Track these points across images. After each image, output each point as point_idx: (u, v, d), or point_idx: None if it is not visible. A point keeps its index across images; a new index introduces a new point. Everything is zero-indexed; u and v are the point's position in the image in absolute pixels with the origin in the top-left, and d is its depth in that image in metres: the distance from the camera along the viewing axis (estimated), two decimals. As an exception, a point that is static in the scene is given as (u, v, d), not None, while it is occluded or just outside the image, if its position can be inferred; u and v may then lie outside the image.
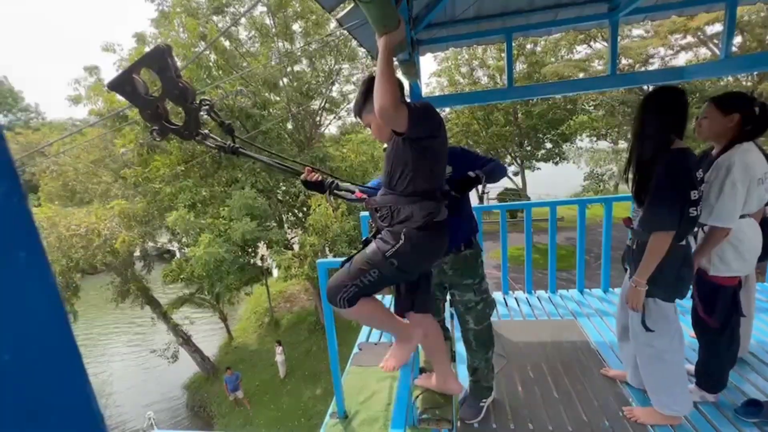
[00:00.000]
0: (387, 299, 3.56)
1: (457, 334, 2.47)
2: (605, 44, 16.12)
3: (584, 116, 17.89)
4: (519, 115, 19.07)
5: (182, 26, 11.03)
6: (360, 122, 1.68)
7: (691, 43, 14.93)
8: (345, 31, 2.66)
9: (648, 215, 1.72)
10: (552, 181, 21.63)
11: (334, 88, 14.31)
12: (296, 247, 12.66)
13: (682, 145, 1.70)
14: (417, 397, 2.12)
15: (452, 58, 18.64)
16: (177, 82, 1.43)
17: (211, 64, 11.28)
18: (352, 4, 2.28)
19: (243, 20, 12.40)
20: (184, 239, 11.57)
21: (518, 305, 3.50)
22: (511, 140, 19.42)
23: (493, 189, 18.54)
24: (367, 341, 2.82)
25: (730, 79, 13.89)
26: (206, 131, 1.60)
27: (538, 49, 18.21)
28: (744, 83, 13.99)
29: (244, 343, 14.76)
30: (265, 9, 12.15)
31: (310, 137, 13.88)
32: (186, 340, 12.94)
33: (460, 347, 2.40)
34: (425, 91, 3.27)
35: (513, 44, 3.43)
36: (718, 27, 13.36)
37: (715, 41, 14.10)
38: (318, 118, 14.41)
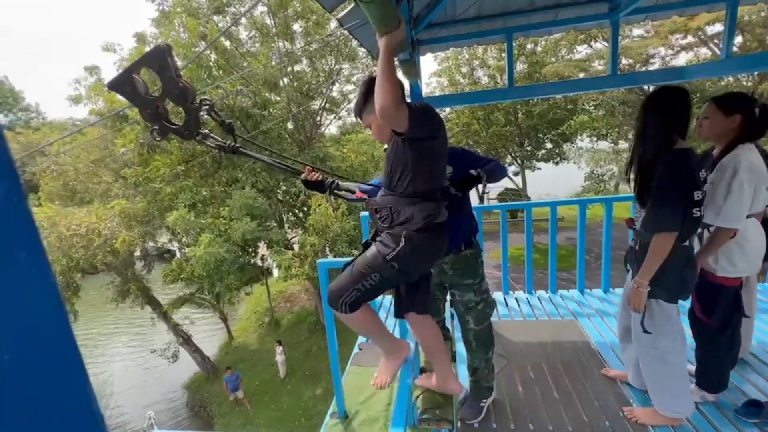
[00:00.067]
0: (387, 299, 3.56)
1: (457, 334, 2.47)
2: (605, 44, 16.11)
3: (585, 116, 17.89)
4: (519, 115, 19.07)
5: (182, 26, 11.03)
6: (360, 122, 1.68)
7: (692, 43, 14.93)
8: (345, 31, 2.65)
9: (651, 216, 1.71)
10: (552, 181, 21.64)
11: (334, 88, 14.32)
12: (296, 247, 12.66)
13: (685, 145, 1.69)
14: (417, 397, 2.11)
15: (452, 58, 18.65)
16: (177, 82, 1.43)
17: (211, 63, 11.28)
18: (352, 4, 2.28)
19: (243, 20, 12.40)
20: (184, 239, 11.57)
21: (518, 305, 3.50)
22: (511, 140, 19.42)
23: (494, 189, 18.55)
24: (368, 341, 2.82)
25: (731, 79, 13.89)
26: (206, 131, 1.60)
27: (539, 49, 18.21)
28: (744, 83, 13.99)
29: (244, 343, 14.77)
30: (265, 9, 12.15)
31: (310, 137, 13.88)
32: (186, 340, 12.94)
33: (460, 347, 2.40)
34: (425, 91, 3.27)
35: (513, 44, 3.43)
36: (718, 27, 13.36)
37: (716, 41, 14.10)
38: (318, 118, 14.42)
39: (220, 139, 1.66)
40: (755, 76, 13.61)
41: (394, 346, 1.80)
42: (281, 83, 12.79)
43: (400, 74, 1.64)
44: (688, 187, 1.64)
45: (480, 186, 1.83)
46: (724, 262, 1.95)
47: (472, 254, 2.00)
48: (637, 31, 16.25)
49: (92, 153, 13.13)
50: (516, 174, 20.21)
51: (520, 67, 17.92)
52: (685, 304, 2.18)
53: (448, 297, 2.24)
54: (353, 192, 1.86)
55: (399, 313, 1.79)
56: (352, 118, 15.12)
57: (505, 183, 18.46)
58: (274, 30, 12.51)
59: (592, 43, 17.08)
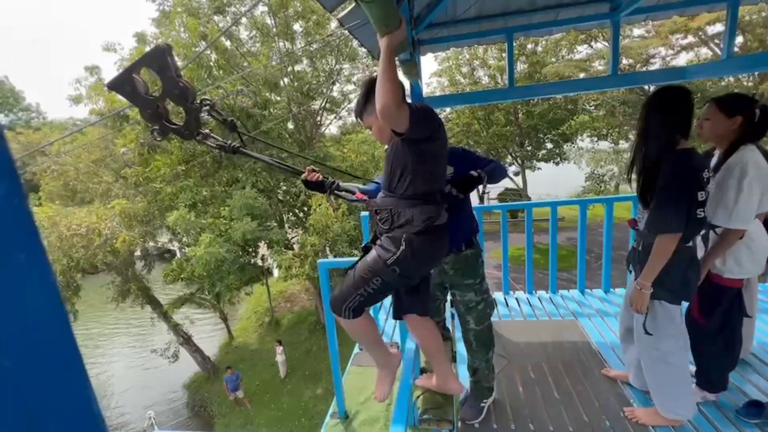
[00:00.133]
0: (387, 300, 3.56)
1: (457, 334, 2.47)
2: (606, 44, 16.12)
3: (585, 116, 17.89)
4: (520, 115, 19.09)
5: (183, 26, 11.04)
6: (360, 123, 1.68)
7: (692, 43, 14.93)
8: (346, 31, 2.65)
9: (654, 217, 1.69)
10: (553, 181, 21.62)
11: (334, 88, 14.33)
12: (297, 246, 12.66)
13: (687, 145, 1.68)
14: (418, 397, 2.11)
15: (453, 58, 18.66)
16: (177, 82, 1.44)
17: (211, 63, 11.28)
18: (353, 4, 2.28)
19: (244, 20, 12.41)
20: (184, 239, 11.57)
21: (519, 305, 3.49)
22: (511, 140, 19.43)
23: (494, 189, 18.55)
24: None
25: (731, 79, 13.88)
26: (207, 131, 1.60)
27: (539, 49, 18.22)
28: (745, 83, 13.98)
29: (244, 343, 14.78)
30: (266, 9, 12.16)
31: (310, 137, 13.89)
32: (186, 340, 12.95)
33: (461, 347, 2.40)
34: (426, 91, 3.27)
35: (514, 44, 3.43)
36: (718, 27, 13.36)
37: (716, 41, 14.09)
38: (318, 118, 14.42)
39: (221, 139, 1.66)
40: (756, 77, 13.60)
41: (387, 359, 1.81)
42: (282, 83, 12.80)
43: (400, 74, 1.64)
44: (691, 187, 1.63)
45: (480, 187, 1.83)
46: (731, 263, 1.94)
47: (473, 254, 2.00)
48: (637, 31, 16.28)
49: (93, 153, 13.13)
50: (516, 174, 20.22)
51: (520, 67, 17.92)
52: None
53: (449, 297, 2.24)
54: (353, 193, 1.86)
55: (398, 315, 1.79)
56: (352, 118, 15.13)
57: (505, 183, 18.46)
58: (274, 30, 12.51)
59: (593, 43, 17.09)
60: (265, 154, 1.85)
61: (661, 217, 1.66)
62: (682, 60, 15.96)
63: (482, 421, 2.11)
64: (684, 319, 1.88)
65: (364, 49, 10.40)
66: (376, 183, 1.91)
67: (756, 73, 12.78)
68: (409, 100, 1.43)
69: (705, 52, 15.04)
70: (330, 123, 15.37)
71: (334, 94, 14.40)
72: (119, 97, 1.60)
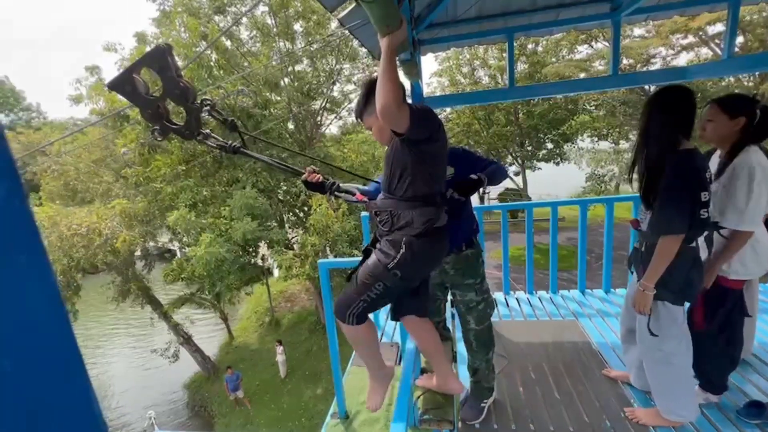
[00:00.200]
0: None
1: (458, 334, 2.47)
2: (606, 44, 16.12)
3: (585, 116, 17.89)
4: (520, 115, 19.09)
5: (183, 26, 11.04)
6: (361, 123, 1.68)
7: (693, 43, 14.92)
8: (346, 31, 2.65)
9: (657, 218, 1.68)
10: (553, 180, 21.61)
11: (335, 88, 14.33)
12: (297, 246, 12.67)
13: (690, 145, 1.67)
14: (418, 397, 2.11)
15: (453, 58, 18.67)
16: (178, 82, 1.44)
17: (212, 63, 11.28)
18: (353, 4, 2.27)
19: (244, 20, 12.41)
20: (185, 239, 11.57)
21: (519, 305, 3.49)
22: (512, 140, 19.44)
23: (494, 189, 18.53)
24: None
25: (732, 79, 13.88)
26: (207, 131, 1.60)
27: (540, 49, 18.21)
28: (745, 84, 13.97)
29: (244, 343, 14.78)
30: (266, 9, 12.16)
31: (311, 137, 13.89)
32: (187, 340, 12.95)
33: (461, 347, 2.40)
34: (426, 91, 3.27)
35: (514, 44, 3.42)
36: (719, 27, 13.35)
37: (717, 41, 14.09)
38: (319, 118, 14.43)
39: (221, 139, 1.66)
40: (756, 77, 13.59)
41: (382, 371, 1.81)
42: (282, 83, 12.80)
43: (401, 74, 1.64)
44: (694, 188, 1.61)
45: (481, 189, 1.83)
46: (736, 264, 1.92)
47: (473, 254, 2.00)
48: (638, 31, 16.28)
49: (93, 153, 13.14)
50: (517, 174, 20.22)
51: (520, 67, 17.92)
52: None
53: (449, 297, 2.24)
54: (353, 194, 1.86)
55: (396, 316, 1.79)
56: (352, 118, 15.13)
57: (505, 183, 18.44)
58: (275, 30, 12.52)
59: (593, 43, 17.08)
60: (266, 154, 1.85)
61: (665, 217, 1.65)
62: (683, 60, 15.97)
63: (483, 422, 2.11)
64: (685, 320, 1.87)
65: (364, 49, 10.41)
66: (377, 183, 1.91)
67: (756, 73, 12.77)
68: (409, 101, 1.43)
69: (705, 52, 15.05)
70: (330, 123, 15.38)
71: (335, 94, 14.41)
72: (120, 97, 1.60)
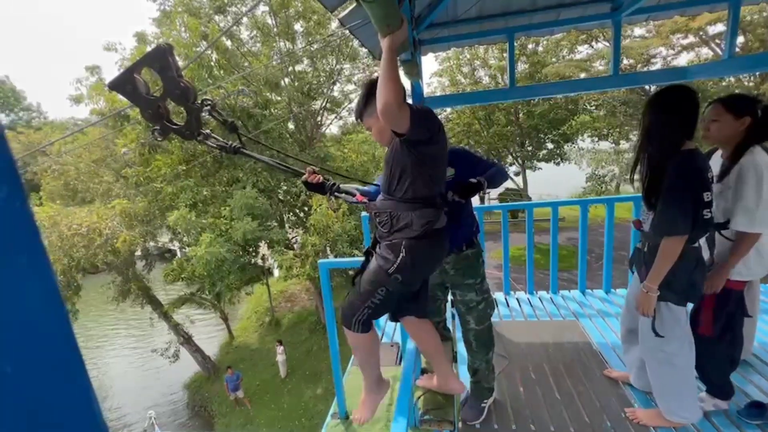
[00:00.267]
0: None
1: (458, 334, 2.47)
2: (606, 44, 16.11)
3: (586, 116, 17.88)
4: (520, 115, 19.09)
5: (184, 26, 11.04)
6: (361, 124, 1.68)
7: (693, 43, 14.92)
8: (347, 31, 2.65)
9: (660, 219, 1.67)
10: (554, 180, 21.61)
11: (335, 88, 14.34)
12: (297, 246, 12.67)
13: (692, 145, 1.66)
14: (419, 398, 2.11)
15: (454, 58, 18.66)
16: (178, 82, 1.43)
17: (212, 63, 11.28)
18: (354, 4, 2.27)
19: (245, 20, 12.41)
20: (185, 239, 11.58)
21: (519, 306, 3.49)
22: (512, 140, 19.43)
23: (494, 189, 18.52)
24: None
25: (732, 79, 13.87)
26: (208, 131, 1.60)
27: (540, 49, 18.20)
28: (746, 84, 13.97)
29: (244, 343, 14.78)
30: (266, 9, 12.16)
31: (311, 137, 13.89)
32: (187, 340, 12.96)
33: (461, 347, 2.40)
34: (426, 91, 3.26)
35: (515, 44, 3.42)
36: (719, 27, 13.34)
37: (717, 41, 14.08)
38: (319, 118, 14.43)
39: (222, 139, 1.66)
40: (757, 77, 13.58)
41: (378, 384, 1.80)
42: (282, 83, 12.80)
43: (401, 74, 1.63)
44: (697, 188, 1.60)
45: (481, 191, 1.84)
46: (740, 266, 1.90)
47: (474, 254, 2.00)
48: (638, 31, 16.27)
49: (93, 153, 13.15)
50: (517, 174, 20.21)
51: (521, 67, 17.91)
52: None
53: (450, 297, 2.24)
54: (353, 195, 1.86)
55: (396, 317, 1.79)
56: (353, 118, 15.13)
57: (506, 183, 18.42)
58: (275, 30, 12.52)
59: (594, 43, 17.07)
60: (266, 154, 1.85)
61: (668, 218, 1.64)
62: (683, 60, 15.96)
63: (483, 422, 2.11)
64: (688, 321, 1.85)
65: (364, 50, 10.41)
66: (376, 185, 1.91)
67: (757, 73, 12.76)
68: (409, 101, 1.43)
69: (706, 52, 15.03)
70: (331, 123, 15.38)
71: (335, 94, 14.41)
72: (120, 97, 1.60)
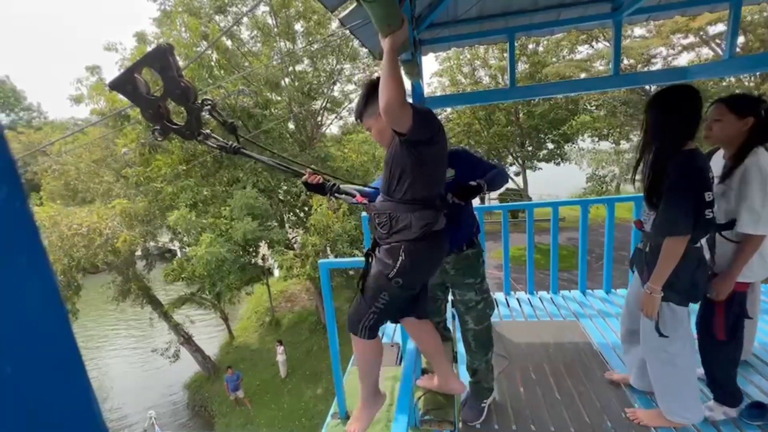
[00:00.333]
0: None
1: (457, 334, 2.47)
2: (607, 44, 16.10)
3: (586, 116, 17.88)
4: (521, 115, 19.08)
5: (184, 25, 11.05)
6: (360, 124, 1.68)
7: (693, 43, 14.91)
8: (347, 31, 2.65)
9: (662, 219, 1.66)
10: (554, 180, 21.61)
11: (335, 88, 14.34)
12: (297, 246, 12.67)
13: (692, 145, 1.65)
14: (419, 398, 2.11)
15: (454, 58, 18.66)
16: (179, 82, 1.43)
17: (213, 63, 11.29)
18: (354, 4, 2.27)
19: (245, 20, 12.41)
20: (185, 238, 11.58)
21: (520, 306, 3.49)
22: (512, 140, 19.43)
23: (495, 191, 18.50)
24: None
25: (732, 79, 13.87)
26: (208, 131, 1.60)
27: (540, 49, 18.19)
28: (746, 84, 13.96)
29: (245, 343, 14.78)
30: (267, 9, 12.16)
31: (311, 137, 13.90)
32: (187, 340, 12.96)
33: (461, 347, 2.40)
34: (426, 91, 3.26)
35: (515, 44, 3.42)
36: (720, 27, 13.34)
37: (717, 41, 14.07)
38: (319, 118, 14.43)
39: (222, 139, 1.66)
40: (757, 77, 13.58)
41: (375, 397, 1.80)
42: (283, 83, 12.80)
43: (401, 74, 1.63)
44: (699, 188, 1.60)
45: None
46: (745, 268, 1.88)
47: (474, 254, 1.99)
48: (638, 31, 16.26)
49: (94, 152, 13.15)
50: (517, 174, 20.21)
51: (521, 67, 17.90)
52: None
53: (450, 297, 2.24)
54: (353, 196, 1.86)
55: (395, 318, 1.79)
56: (353, 118, 15.12)
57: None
58: (275, 30, 12.52)
59: (594, 43, 17.07)
60: (265, 154, 1.85)
61: (670, 218, 1.63)
62: (684, 60, 15.95)
63: (484, 422, 2.10)
64: (690, 321, 1.83)
65: (365, 50, 10.42)
66: (374, 189, 1.91)
67: (757, 73, 12.75)
68: (409, 101, 1.43)
69: (706, 52, 15.02)
70: (331, 123, 15.39)
71: (335, 94, 14.41)
72: (120, 96, 1.60)
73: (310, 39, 12.67)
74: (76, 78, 11.97)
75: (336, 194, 1.85)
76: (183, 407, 12.67)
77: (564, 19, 3.37)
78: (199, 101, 1.51)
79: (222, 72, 11.47)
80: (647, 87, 12.38)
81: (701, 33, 14.19)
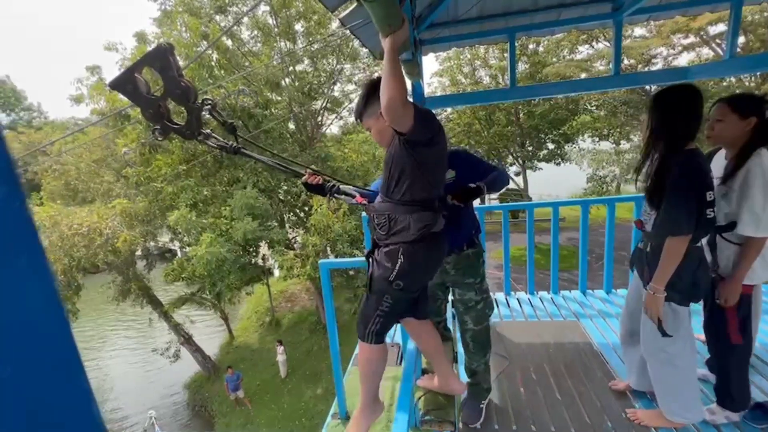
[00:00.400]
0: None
1: (457, 335, 2.46)
2: (607, 44, 16.10)
3: (586, 116, 17.87)
4: (521, 115, 19.07)
5: (184, 25, 11.05)
6: (360, 124, 1.68)
7: (694, 43, 14.90)
8: (347, 31, 2.65)
9: (664, 218, 1.66)
10: (554, 181, 21.60)
11: (335, 88, 14.34)
12: (298, 246, 12.67)
13: (692, 146, 1.65)
14: (419, 398, 2.11)
15: (454, 58, 18.65)
16: (179, 82, 1.43)
17: (213, 63, 11.29)
18: (354, 4, 2.26)
19: (245, 20, 12.41)
20: (185, 238, 11.59)
21: (520, 306, 3.49)
22: (512, 140, 19.42)
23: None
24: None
25: (733, 79, 13.86)
26: (208, 131, 1.60)
27: (541, 49, 18.19)
28: (747, 84, 13.96)
29: (245, 343, 14.78)
30: (267, 8, 12.16)
31: (311, 137, 13.90)
32: (187, 340, 12.96)
33: (461, 348, 2.40)
34: (427, 91, 3.26)
35: (515, 44, 3.42)
36: (720, 27, 13.33)
37: (717, 41, 14.07)
38: (320, 118, 14.43)
39: (222, 139, 1.66)
40: (757, 77, 13.57)
41: (374, 404, 1.80)
42: (283, 83, 12.81)
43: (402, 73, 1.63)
44: (700, 187, 1.60)
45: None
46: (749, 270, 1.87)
47: (474, 254, 1.99)
48: (638, 31, 16.25)
49: (94, 152, 13.16)
50: (517, 174, 20.21)
51: (521, 67, 17.90)
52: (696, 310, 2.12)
53: (450, 297, 2.23)
54: (353, 196, 1.85)
55: (396, 319, 1.79)
56: (353, 118, 15.10)
57: (506, 183, 18.41)
58: (276, 30, 12.52)
59: (594, 43, 17.06)
60: (265, 155, 1.84)
61: (672, 218, 1.63)
62: (684, 60, 15.95)
63: (484, 422, 2.10)
64: (690, 321, 1.82)
65: (365, 50, 10.41)
66: (373, 191, 1.90)
67: (758, 73, 12.74)
68: (410, 100, 1.42)
69: (707, 52, 15.01)
70: (331, 123, 15.39)
71: (336, 93, 14.41)
72: (121, 96, 1.60)
73: (311, 39, 12.67)
74: (77, 78, 11.98)
75: (335, 195, 1.85)
76: (183, 407, 12.67)
77: (564, 19, 3.37)
78: (200, 101, 1.51)
79: (222, 72, 11.47)
80: (647, 87, 12.38)
81: (702, 33, 14.18)
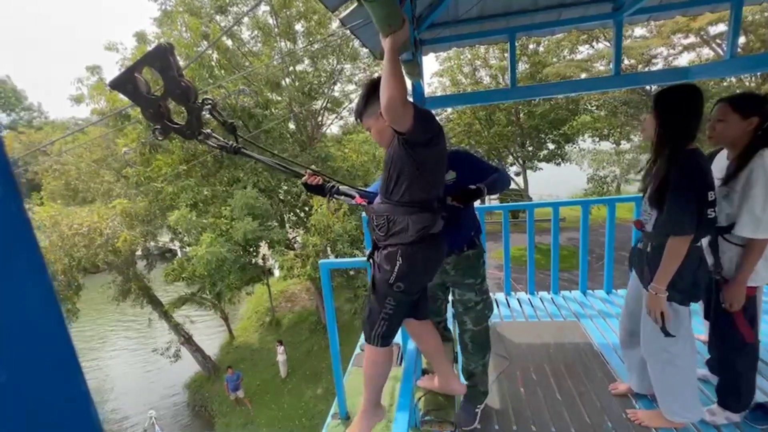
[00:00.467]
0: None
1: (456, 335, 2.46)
2: (607, 44, 16.09)
3: (587, 116, 17.85)
4: (521, 115, 19.06)
5: (185, 25, 11.05)
6: (360, 124, 1.67)
7: (694, 43, 14.89)
8: (347, 31, 2.64)
9: (666, 218, 1.65)
10: (554, 181, 21.59)
11: (336, 88, 14.34)
12: (298, 246, 12.67)
13: (693, 146, 1.64)
14: (420, 398, 2.11)
15: (455, 58, 18.64)
16: (179, 81, 1.43)
17: (213, 63, 11.29)
18: (355, 4, 2.26)
19: (246, 19, 12.41)
20: (185, 238, 11.59)
21: (520, 306, 3.49)
22: (513, 140, 19.41)
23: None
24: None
25: (733, 79, 13.85)
26: (208, 131, 1.60)
27: (541, 49, 18.18)
28: (747, 84, 13.95)
29: (245, 343, 14.78)
30: (267, 8, 12.16)
31: (312, 137, 13.90)
32: (187, 339, 12.96)
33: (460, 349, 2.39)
34: (427, 91, 3.26)
35: (516, 44, 3.42)
36: (721, 27, 13.32)
37: (718, 41, 14.06)
38: (320, 118, 14.43)
39: (222, 139, 1.66)
40: (758, 77, 13.56)
41: (376, 409, 1.80)
42: (283, 83, 12.81)
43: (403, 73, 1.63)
44: (701, 187, 1.59)
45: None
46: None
47: (474, 254, 1.99)
48: (639, 31, 16.24)
49: (94, 152, 13.16)
50: (518, 174, 20.20)
51: (522, 67, 17.89)
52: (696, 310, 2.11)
53: (450, 297, 2.23)
54: (353, 197, 1.85)
55: (401, 321, 1.79)
56: (353, 118, 15.11)
57: (506, 183, 18.41)
58: (276, 30, 12.52)
59: (594, 43, 17.05)
60: (265, 155, 1.84)
61: (673, 218, 1.62)
62: (684, 60, 15.94)
63: (484, 422, 2.10)
64: (691, 321, 1.82)
65: (365, 50, 10.41)
66: (373, 192, 1.90)
67: (758, 73, 12.73)
68: (410, 100, 1.42)
69: (707, 53, 15.01)
70: (331, 123, 15.39)
71: (336, 94, 14.42)
72: (121, 96, 1.60)
73: (311, 39, 12.67)
74: (77, 78, 11.98)
75: (335, 195, 1.85)
76: (183, 407, 12.66)
77: (565, 19, 3.37)
78: (200, 101, 1.51)
79: (222, 72, 11.47)
80: (648, 87, 12.37)
81: (702, 33, 14.17)
